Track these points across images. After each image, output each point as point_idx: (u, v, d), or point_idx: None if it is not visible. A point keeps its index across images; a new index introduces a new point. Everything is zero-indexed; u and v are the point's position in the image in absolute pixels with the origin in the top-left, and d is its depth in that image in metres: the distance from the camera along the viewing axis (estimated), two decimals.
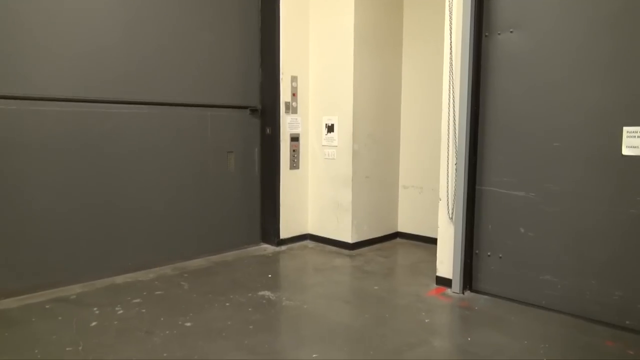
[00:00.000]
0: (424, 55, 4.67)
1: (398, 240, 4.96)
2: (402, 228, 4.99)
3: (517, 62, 3.14)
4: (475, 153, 3.34)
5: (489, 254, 3.33)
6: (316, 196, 4.78)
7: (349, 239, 4.51)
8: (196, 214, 4.22)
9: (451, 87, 3.35)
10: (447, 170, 3.42)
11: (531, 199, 3.11)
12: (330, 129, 4.57)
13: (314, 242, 4.80)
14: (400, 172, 4.95)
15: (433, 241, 4.69)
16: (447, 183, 3.43)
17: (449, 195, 3.42)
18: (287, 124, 4.55)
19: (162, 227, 4.00)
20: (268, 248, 4.60)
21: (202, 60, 4.16)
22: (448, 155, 3.42)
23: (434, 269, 3.60)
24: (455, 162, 3.35)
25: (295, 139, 4.65)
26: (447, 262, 3.47)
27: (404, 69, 4.85)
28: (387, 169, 4.82)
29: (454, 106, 3.34)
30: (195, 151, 4.17)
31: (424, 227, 4.79)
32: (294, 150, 4.64)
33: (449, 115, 3.38)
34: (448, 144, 3.41)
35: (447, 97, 3.39)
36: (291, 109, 4.57)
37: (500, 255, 3.27)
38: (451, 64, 3.35)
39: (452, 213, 3.40)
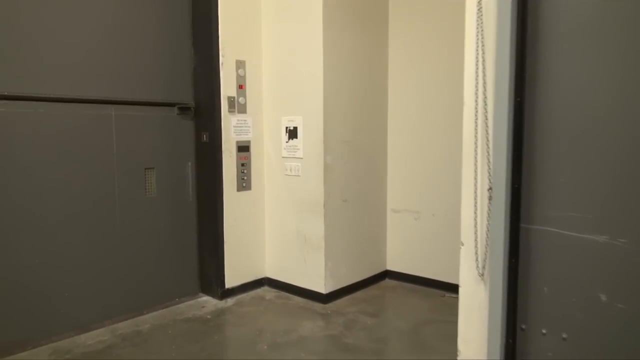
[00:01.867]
0: (420, 33, 3.44)
1: (387, 282, 3.70)
2: (392, 265, 3.74)
3: (594, 28, 1.92)
4: (519, 173, 2.10)
5: (544, 331, 2.09)
6: (276, 227, 3.49)
7: (321, 287, 3.22)
8: (97, 262, 2.86)
9: (480, 68, 2.11)
10: (475, 198, 2.18)
11: (620, 247, 1.88)
12: (292, 134, 3.28)
13: (274, 290, 3.49)
14: (389, 192, 3.71)
15: (436, 284, 3.46)
16: (475, 219, 2.19)
17: (478, 239, 2.18)
18: (233, 128, 3.24)
19: (38, 288, 2.63)
20: (208, 303, 3.26)
21: (100, 34, 2.82)
22: (476, 175, 2.17)
23: (449, 335, 2.35)
24: (488, 187, 2.11)
25: (244, 148, 3.34)
26: (474, 342, 2.22)
27: (391, 52, 3.61)
28: (372, 188, 3.56)
29: (484, 100, 2.11)
30: (93, 169, 2.82)
31: (421, 264, 3.55)
32: (242, 165, 3.33)
33: (476, 113, 2.14)
34: (476, 159, 2.17)
35: (473, 84, 2.15)
36: (237, 106, 3.26)
37: (565, 336, 2.04)
38: (479, 33, 2.12)
39: (484, 267, 2.16)
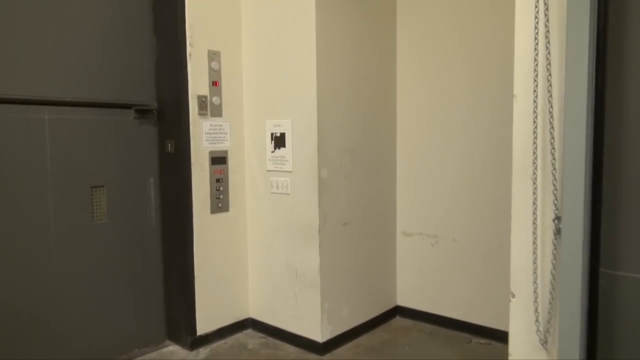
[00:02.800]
0: (435, 17, 2.81)
1: (398, 321, 3.04)
2: (404, 301, 3.08)
3: None
4: (599, 199, 1.46)
5: None
6: (260, 257, 2.83)
7: (317, 334, 2.56)
8: (28, 309, 2.21)
9: (541, 48, 1.48)
10: (533, 231, 1.53)
11: None
12: (279, 142, 2.63)
13: (259, 336, 2.83)
14: (399, 211, 3.06)
15: (459, 325, 2.79)
16: (534, 260, 1.54)
17: (538, 290, 1.53)
18: (205, 135, 2.60)
19: None
20: (175, 355, 2.60)
21: (26, 13, 2.18)
22: (534, 198, 1.52)
23: None
24: (554, 216, 1.47)
25: (219, 160, 2.69)
26: None
27: (399, 43, 2.98)
28: (378, 207, 2.91)
29: (548, 92, 1.47)
30: (17, 189, 2.17)
31: (440, 300, 2.89)
32: (217, 180, 2.68)
33: (534, 110, 1.50)
34: (534, 175, 1.53)
35: (528, 69, 1.52)
36: (210, 108, 2.61)
37: None
38: (544, 6, 1.48)
39: (547, 331, 1.51)
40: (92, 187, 2.41)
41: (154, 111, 2.62)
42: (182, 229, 2.59)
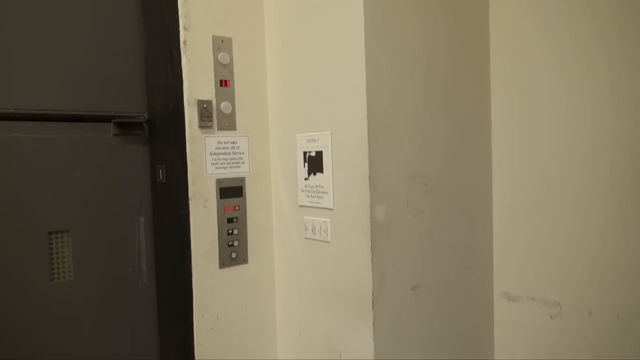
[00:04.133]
0: None
1: None
2: None
3: None
4: None
5: None
6: (291, 330, 1.98)
7: None
8: None
9: None
10: None
11: None
12: (314, 165, 1.79)
13: None
14: (496, 265, 2.07)
15: None
16: None
17: None
18: (209, 157, 1.82)
19: None
20: None
21: None
22: None
23: None
24: None
25: (231, 191, 1.88)
26: None
27: (493, 32, 2.04)
28: (466, 260, 1.95)
29: None
30: None
31: None
32: (230, 220, 1.88)
33: None
34: None
35: None
36: (218, 117, 1.83)
37: None
38: None
39: None
40: (50, 233, 1.71)
41: (144, 124, 1.89)
42: (178, 291, 1.82)
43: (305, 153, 1.82)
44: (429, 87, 1.78)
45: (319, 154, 1.75)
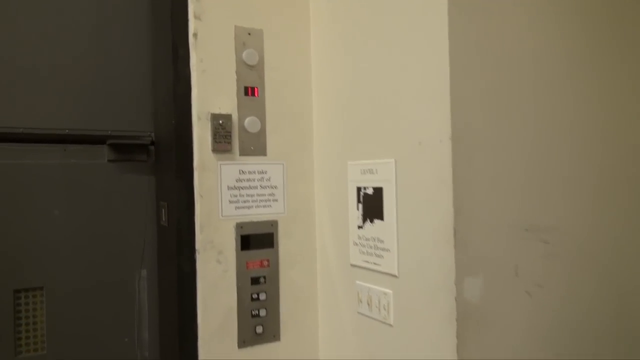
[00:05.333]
0: None
1: None
2: None
3: None
4: None
5: None
6: None
7: None
8: None
9: None
10: None
11: None
12: (371, 207, 1.21)
13: None
14: None
15: None
16: None
17: None
18: (227, 192, 1.31)
19: None
20: None
21: None
22: None
23: None
24: None
25: (259, 240, 1.36)
26: None
27: None
28: (619, 355, 1.25)
29: None
30: None
31: None
32: (255, 281, 1.36)
33: None
34: None
35: None
36: (241, 138, 1.32)
37: None
38: None
39: None
40: (17, 292, 1.29)
41: (149, 147, 1.44)
42: None
43: (359, 190, 1.25)
44: (553, 92, 1.14)
45: (378, 192, 1.17)
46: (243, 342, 1.33)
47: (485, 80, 1.02)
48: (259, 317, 1.35)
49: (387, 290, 1.16)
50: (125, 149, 1.41)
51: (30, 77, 1.31)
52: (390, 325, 1.15)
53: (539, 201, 1.10)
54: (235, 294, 1.32)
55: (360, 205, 1.24)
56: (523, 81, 1.08)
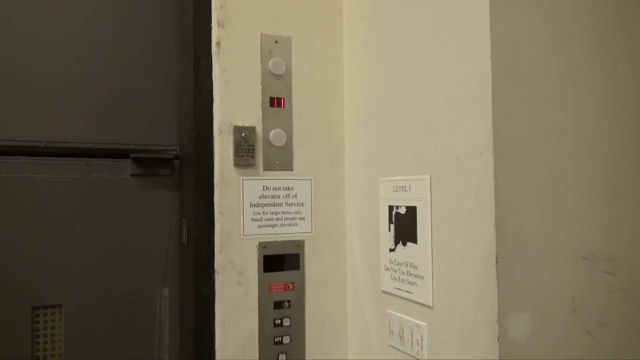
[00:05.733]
0: None
1: None
2: None
3: None
4: None
5: None
6: None
7: None
8: None
9: None
10: None
11: None
12: (404, 228, 1.09)
13: None
14: None
15: None
16: None
17: None
18: (250, 209, 1.23)
19: None
20: None
21: None
22: None
23: None
24: None
25: (283, 261, 1.26)
26: None
27: None
28: None
29: None
30: None
31: None
32: (279, 305, 1.26)
33: None
34: None
35: None
36: (265, 152, 1.24)
37: None
38: None
39: None
40: (35, 309, 1.26)
41: (173, 161, 1.39)
42: None
43: (390, 208, 1.13)
44: (608, 122, 0.98)
45: (411, 212, 1.05)
46: None
47: (530, 86, 0.89)
48: (282, 345, 1.25)
49: (420, 323, 1.03)
50: (149, 164, 1.36)
51: (53, 90, 1.29)
52: None
53: (600, 226, 0.94)
54: (257, 318, 1.22)
55: (392, 226, 1.12)
56: (577, 88, 0.94)
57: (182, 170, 1.38)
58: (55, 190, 1.27)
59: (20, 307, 1.23)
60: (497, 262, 0.84)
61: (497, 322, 0.84)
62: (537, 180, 0.88)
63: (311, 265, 1.29)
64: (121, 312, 1.33)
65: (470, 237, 0.90)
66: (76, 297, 1.28)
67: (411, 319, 1.06)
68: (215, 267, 1.19)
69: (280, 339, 1.25)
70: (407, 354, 1.07)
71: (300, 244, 1.28)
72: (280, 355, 1.25)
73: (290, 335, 1.26)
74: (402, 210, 1.09)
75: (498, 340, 0.84)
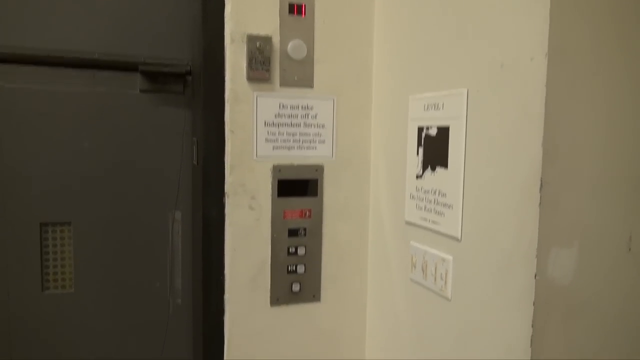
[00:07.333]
0: None
1: None
2: None
3: None
4: None
5: None
6: None
7: None
8: None
9: None
10: None
11: None
12: (433, 151, 0.96)
13: None
14: None
15: None
16: None
17: None
18: (264, 129, 1.12)
19: None
20: None
21: None
22: None
23: None
24: None
25: (300, 187, 1.17)
26: None
27: None
28: None
29: None
30: None
31: None
32: (293, 233, 1.17)
33: None
34: None
35: None
36: (282, 64, 1.11)
37: None
38: None
39: None
40: (43, 225, 1.22)
41: (187, 77, 1.28)
42: (207, 337, 1.18)
43: (420, 130, 1.00)
44: None
45: (443, 133, 0.92)
46: (277, 300, 1.17)
47: None
48: (295, 274, 1.18)
49: (446, 256, 0.92)
50: (159, 78, 1.26)
51: None
52: (448, 299, 0.92)
53: None
54: (269, 245, 1.15)
55: (421, 150, 1.00)
56: None
57: (194, 86, 1.28)
58: (61, 102, 1.20)
59: (27, 223, 1.20)
60: (541, 187, 0.71)
61: (536, 257, 0.72)
62: (597, 90, 0.73)
63: (330, 192, 1.19)
64: (132, 233, 1.28)
65: (510, 160, 0.76)
66: (85, 215, 1.24)
67: (436, 251, 0.95)
68: (226, 190, 1.10)
69: (294, 267, 1.18)
70: (430, 289, 0.97)
71: (319, 169, 1.18)
72: (293, 285, 1.18)
73: (305, 265, 1.18)
74: (433, 132, 0.95)
75: (535, 277, 0.73)
